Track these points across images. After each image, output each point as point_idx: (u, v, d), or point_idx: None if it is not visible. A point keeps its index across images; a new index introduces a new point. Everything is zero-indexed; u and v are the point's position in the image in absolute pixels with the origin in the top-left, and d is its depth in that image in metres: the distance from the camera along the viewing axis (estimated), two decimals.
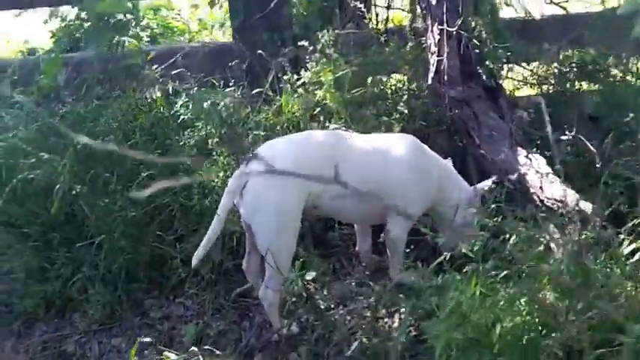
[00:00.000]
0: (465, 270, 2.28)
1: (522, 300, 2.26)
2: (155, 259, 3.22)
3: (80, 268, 3.16)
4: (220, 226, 2.72)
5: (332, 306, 2.98)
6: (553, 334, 2.09)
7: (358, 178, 2.77)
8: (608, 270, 2.54)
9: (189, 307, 3.13)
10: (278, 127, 3.43)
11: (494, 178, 3.00)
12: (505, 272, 2.36)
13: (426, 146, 3.02)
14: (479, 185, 3.00)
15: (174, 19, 6.54)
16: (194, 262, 2.73)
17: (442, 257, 2.54)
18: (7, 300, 3.18)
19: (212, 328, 2.97)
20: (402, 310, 2.64)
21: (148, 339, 2.92)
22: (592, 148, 3.06)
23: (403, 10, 4.29)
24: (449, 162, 3.14)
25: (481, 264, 2.28)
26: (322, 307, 2.97)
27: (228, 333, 2.95)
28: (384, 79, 3.64)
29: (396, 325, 2.80)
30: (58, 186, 2.94)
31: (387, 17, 4.25)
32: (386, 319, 2.87)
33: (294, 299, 2.99)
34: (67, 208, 3.17)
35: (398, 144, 2.94)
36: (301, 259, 2.89)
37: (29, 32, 6.62)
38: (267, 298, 2.78)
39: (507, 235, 2.47)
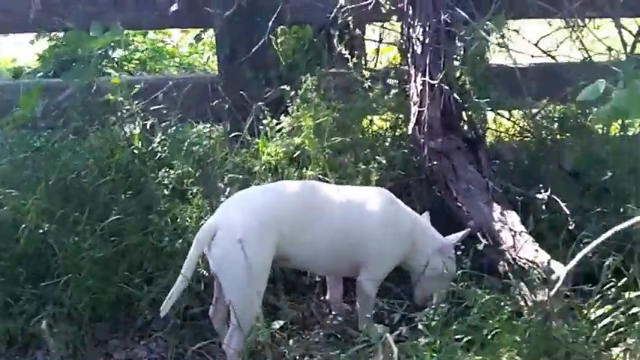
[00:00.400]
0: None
1: None
2: (122, 299, 3.19)
3: (45, 306, 3.11)
4: (189, 275, 2.71)
5: (297, 357, 2.92)
6: None
7: (332, 231, 2.83)
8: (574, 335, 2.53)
9: (153, 351, 3.09)
10: (256, 168, 3.41)
11: (467, 230, 3.02)
12: (468, 338, 2.33)
13: (400, 201, 3.03)
14: (451, 237, 3.02)
15: (164, 43, 6.57)
16: (162, 312, 2.71)
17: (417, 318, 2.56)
18: None
19: None
20: None
21: None
22: (565, 208, 3.05)
23: (395, 44, 4.20)
24: (426, 216, 3.15)
25: (440, 333, 2.25)
26: (288, 358, 2.91)
27: None
28: (366, 125, 3.62)
29: None
30: (24, 225, 2.89)
31: (376, 58, 4.25)
32: None
33: (259, 348, 2.94)
34: (35, 245, 3.12)
35: (373, 199, 2.95)
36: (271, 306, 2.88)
37: (17, 50, 6.66)
38: (232, 346, 2.76)
39: (473, 300, 2.45)
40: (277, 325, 3.01)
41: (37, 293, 3.13)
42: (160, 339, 3.10)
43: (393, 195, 3.02)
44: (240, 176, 3.31)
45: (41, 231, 3.02)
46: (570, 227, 3.01)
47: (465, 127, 3.64)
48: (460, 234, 3.02)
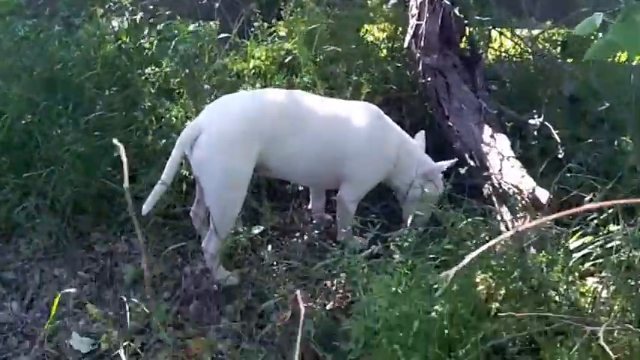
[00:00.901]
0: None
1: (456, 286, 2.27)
2: (105, 194, 3.19)
3: (28, 196, 3.12)
4: (171, 176, 2.70)
5: (275, 262, 2.96)
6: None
7: (316, 144, 2.79)
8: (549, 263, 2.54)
9: (134, 246, 3.12)
10: (245, 72, 3.34)
11: (455, 160, 2.96)
12: (442, 259, 2.36)
13: (388, 118, 2.97)
14: (440, 163, 2.96)
15: None
16: (144, 210, 2.71)
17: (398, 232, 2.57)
18: None
19: (153, 270, 2.95)
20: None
21: (87, 275, 2.91)
22: (556, 136, 3.01)
23: None
24: (420, 136, 3.09)
25: (414, 253, 2.27)
26: (266, 262, 2.95)
27: (168, 278, 2.94)
28: (362, 35, 3.52)
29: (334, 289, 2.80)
30: (6, 115, 2.85)
31: None
32: (326, 282, 2.87)
33: (239, 251, 2.99)
34: (18, 135, 3.09)
35: (360, 113, 2.89)
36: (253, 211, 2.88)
37: None
38: (210, 250, 2.80)
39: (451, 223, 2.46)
40: (257, 230, 3.05)
41: (20, 183, 3.14)
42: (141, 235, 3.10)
43: (380, 111, 2.96)
44: (228, 79, 3.24)
45: (24, 122, 2.97)
46: (560, 155, 2.95)
47: (464, 45, 3.52)
48: (448, 162, 2.94)
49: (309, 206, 3.28)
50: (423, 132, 3.10)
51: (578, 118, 3.50)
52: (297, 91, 3.00)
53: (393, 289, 2.01)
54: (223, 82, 3.31)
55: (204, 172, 2.69)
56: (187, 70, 3.14)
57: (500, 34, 3.80)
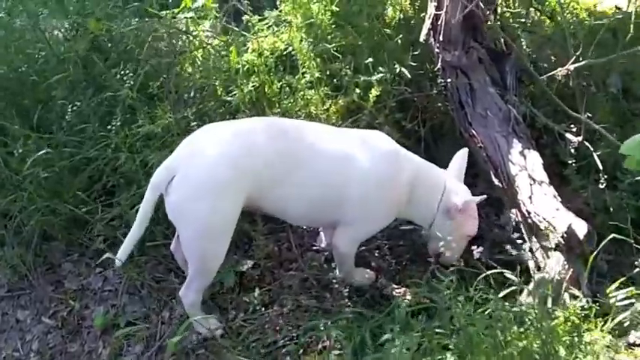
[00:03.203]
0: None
1: None
2: (77, 219, 2.85)
3: None
4: (145, 221, 2.36)
5: (263, 307, 2.61)
6: None
7: (313, 186, 2.39)
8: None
9: (109, 280, 2.81)
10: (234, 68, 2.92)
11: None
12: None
13: (400, 149, 2.51)
14: (468, 198, 2.50)
15: None
16: (120, 257, 2.38)
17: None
18: None
19: (126, 314, 2.64)
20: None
21: (52, 321, 2.62)
22: (598, 161, 2.52)
23: None
24: (459, 158, 2.61)
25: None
26: (255, 304, 2.60)
27: (142, 323, 2.61)
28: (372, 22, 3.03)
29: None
30: None
31: None
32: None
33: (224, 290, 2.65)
34: None
35: (366, 149, 2.43)
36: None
37: None
38: (188, 300, 2.48)
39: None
40: (246, 266, 2.71)
41: None
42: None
43: (392, 142, 2.50)
44: (214, 79, 2.81)
45: None
46: (602, 183, 2.49)
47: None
48: (478, 198, 2.48)
49: (322, 244, 2.87)
50: (464, 152, 2.62)
51: (626, 119, 2.98)
52: (287, 120, 2.54)
53: None
54: (208, 84, 2.88)
55: (180, 220, 2.34)
56: (168, 71, 2.70)
57: (538, 10, 3.21)
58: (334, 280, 2.73)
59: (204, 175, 2.28)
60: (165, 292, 2.73)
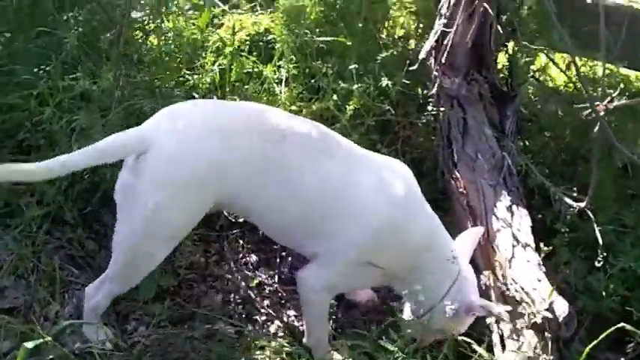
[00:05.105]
0: None
1: None
2: None
3: None
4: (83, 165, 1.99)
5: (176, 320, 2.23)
6: None
7: (297, 203, 1.98)
8: None
9: None
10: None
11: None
12: None
13: (423, 199, 2.11)
14: (489, 304, 2.09)
15: None
16: None
17: None
18: None
19: (5, 299, 2.20)
20: None
21: None
22: (598, 234, 2.20)
23: None
24: (470, 236, 2.21)
25: None
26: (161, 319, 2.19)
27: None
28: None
29: None
30: None
31: None
32: None
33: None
34: None
35: (379, 180, 2.02)
36: None
37: None
38: (92, 302, 2.07)
39: None
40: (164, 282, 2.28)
41: None
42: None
43: (413, 178, 2.10)
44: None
45: None
46: (599, 261, 2.17)
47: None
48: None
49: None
50: (478, 230, 2.24)
51: (628, 199, 2.68)
52: (293, 120, 2.08)
53: None
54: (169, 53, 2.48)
55: (125, 205, 1.95)
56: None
57: (551, 61, 2.90)
58: (262, 311, 2.34)
59: (174, 165, 1.89)
60: (60, 284, 2.27)
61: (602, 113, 1.94)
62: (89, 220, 2.46)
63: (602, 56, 2.13)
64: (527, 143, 2.85)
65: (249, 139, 1.95)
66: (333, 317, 2.29)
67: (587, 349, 1.80)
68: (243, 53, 2.56)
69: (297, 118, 2.14)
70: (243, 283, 2.43)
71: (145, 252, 1.98)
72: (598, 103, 1.96)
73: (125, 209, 1.95)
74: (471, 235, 2.22)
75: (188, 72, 2.53)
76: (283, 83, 2.48)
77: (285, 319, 2.33)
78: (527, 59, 2.75)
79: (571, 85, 2.91)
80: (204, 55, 2.58)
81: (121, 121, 2.36)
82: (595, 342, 1.80)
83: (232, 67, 2.52)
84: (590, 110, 1.97)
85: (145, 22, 2.55)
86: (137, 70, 2.50)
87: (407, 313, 2.15)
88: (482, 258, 2.33)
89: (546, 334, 2.04)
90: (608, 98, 1.96)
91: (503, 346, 2.14)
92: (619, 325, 1.87)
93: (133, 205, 1.91)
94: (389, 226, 1.99)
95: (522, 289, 2.12)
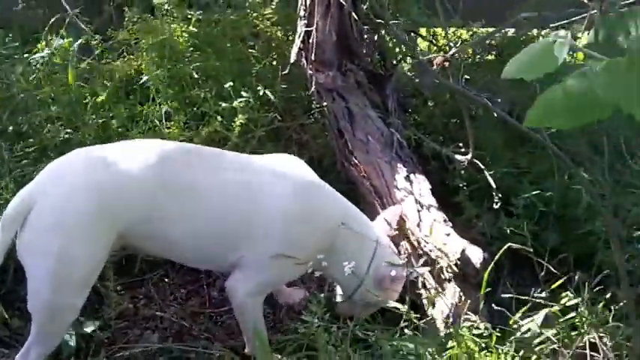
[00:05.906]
0: None
1: None
2: None
3: None
4: None
5: None
6: None
7: (206, 219, 2.00)
8: None
9: None
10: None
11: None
12: None
13: (324, 183, 2.17)
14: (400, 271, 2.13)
15: None
16: None
17: None
18: None
19: None
20: None
21: None
22: (491, 180, 2.30)
23: None
24: (390, 214, 2.29)
25: None
26: None
27: None
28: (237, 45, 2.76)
29: None
30: None
31: None
32: None
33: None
34: None
35: (280, 179, 2.07)
36: None
37: None
38: None
39: None
40: (89, 328, 2.26)
41: None
42: None
43: (307, 167, 2.18)
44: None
45: None
46: (495, 206, 2.26)
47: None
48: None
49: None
50: (397, 208, 2.32)
51: (516, 144, 2.81)
52: (179, 144, 2.14)
53: None
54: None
55: (27, 261, 1.92)
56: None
57: (418, 35, 3.05)
58: (201, 336, 2.35)
59: (60, 207, 1.89)
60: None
61: (438, 66, 2.07)
62: (9, 300, 2.46)
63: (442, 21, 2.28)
64: (417, 118, 2.99)
65: (135, 167, 1.95)
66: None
67: (485, 274, 1.89)
68: (120, 98, 2.60)
69: (180, 143, 2.20)
70: (175, 317, 2.46)
71: (60, 303, 1.94)
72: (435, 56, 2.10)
73: (30, 267, 1.92)
74: (389, 213, 2.30)
75: (70, 130, 2.55)
76: (163, 118, 2.52)
77: (223, 338, 2.36)
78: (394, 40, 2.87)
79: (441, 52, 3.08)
80: (79, 110, 2.59)
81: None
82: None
83: (112, 115, 2.56)
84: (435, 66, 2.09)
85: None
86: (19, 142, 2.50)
87: (339, 295, 2.22)
88: (398, 230, 2.42)
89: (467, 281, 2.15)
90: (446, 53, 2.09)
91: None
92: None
93: (35, 259, 1.90)
94: (295, 213, 2.03)
95: (435, 246, 2.22)
